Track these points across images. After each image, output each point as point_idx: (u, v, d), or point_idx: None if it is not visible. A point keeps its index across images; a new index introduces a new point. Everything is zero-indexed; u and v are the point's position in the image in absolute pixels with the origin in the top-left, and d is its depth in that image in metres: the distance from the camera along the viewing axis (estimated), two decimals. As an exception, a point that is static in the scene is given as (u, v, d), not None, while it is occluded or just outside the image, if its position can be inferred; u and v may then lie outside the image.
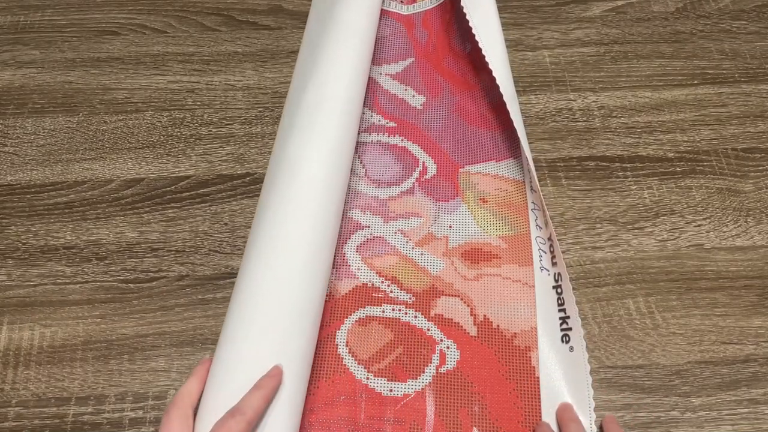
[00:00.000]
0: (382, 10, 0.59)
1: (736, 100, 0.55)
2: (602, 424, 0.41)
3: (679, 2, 0.61)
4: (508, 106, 0.48)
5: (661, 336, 0.45)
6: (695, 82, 0.56)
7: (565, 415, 0.40)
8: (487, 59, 0.49)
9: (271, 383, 0.35)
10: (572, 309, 0.43)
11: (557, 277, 0.45)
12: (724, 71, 0.57)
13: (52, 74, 0.58)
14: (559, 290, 0.45)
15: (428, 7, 0.60)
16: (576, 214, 0.50)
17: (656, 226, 0.49)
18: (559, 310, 0.44)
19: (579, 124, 0.54)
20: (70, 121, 0.55)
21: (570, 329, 0.43)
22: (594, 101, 0.55)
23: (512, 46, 0.59)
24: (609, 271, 0.47)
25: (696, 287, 0.47)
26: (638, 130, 0.54)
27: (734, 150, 0.53)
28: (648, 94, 0.56)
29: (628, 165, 0.52)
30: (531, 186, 0.49)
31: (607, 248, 0.48)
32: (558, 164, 0.52)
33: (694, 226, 0.49)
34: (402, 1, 0.60)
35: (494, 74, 0.49)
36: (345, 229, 0.49)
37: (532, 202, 0.49)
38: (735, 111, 0.55)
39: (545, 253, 0.46)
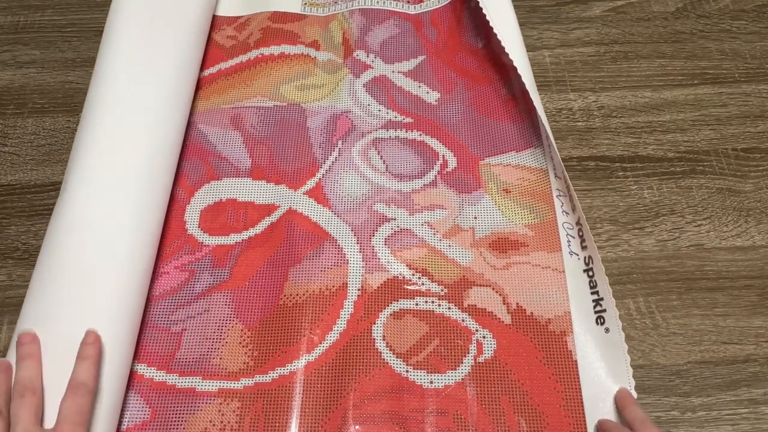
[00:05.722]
0: (389, 11, 0.59)
1: (736, 100, 0.55)
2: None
3: (679, 2, 0.61)
4: (531, 95, 0.49)
5: (661, 336, 0.45)
6: (695, 82, 0.56)
7: (626, 399, 0.41)
8: (507, 50, 0.50)
9: (94, 350, 0.36)
10: (605, 290, 0.44)
11: (588, 261, 0.45)
12: (724, 71, 0.57)
13: (52, 74, 0.58)
14: (590, 273, 0.45)
15: (436, 7, 0.60)
16: (576, 214, 0.50)
17: (656, 226, 0.49)
18: (592, 293, 0.45)
19: (579, 124, 0.54)
20: (70, 121, 0.55)
21: (604, 311, 0.44)
22: (594, 101, 0.55)
23: (512, 46, 0.59)
24: (609, 271, 0.47)
25: (696, 287, 0.47)
26: (638, 130, 0.54)
27: (734, 150, 0.53)
28: (648, 94, 0.56)
29: (628, 165, 0.52)
30: (555, 173, 0.50)
31: (607, 248, 0.48)
32: (558, 164, 0.52)
33: (694, 226, 0.49)
34: (409, 1, 0.60)
35: (515, 63, 0.49)
36: (371, 222, 0.49)
37: (557, 189, 0.49)
38: (735, 111, 0.55)
39: (573, 237, 0.47)
